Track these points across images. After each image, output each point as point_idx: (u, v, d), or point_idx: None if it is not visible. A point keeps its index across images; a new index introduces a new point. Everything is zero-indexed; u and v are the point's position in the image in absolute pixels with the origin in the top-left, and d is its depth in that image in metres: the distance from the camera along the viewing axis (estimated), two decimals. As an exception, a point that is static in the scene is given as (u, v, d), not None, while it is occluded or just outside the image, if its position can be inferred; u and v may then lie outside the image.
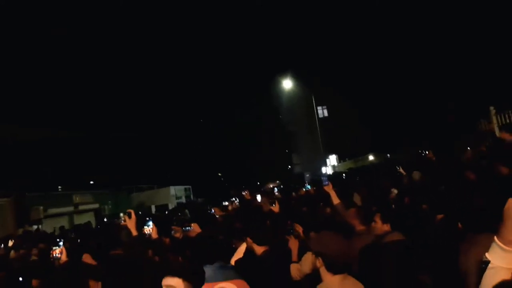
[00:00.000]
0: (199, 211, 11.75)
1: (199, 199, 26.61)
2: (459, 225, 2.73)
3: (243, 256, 3.48)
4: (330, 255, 2.19)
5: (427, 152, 7.75)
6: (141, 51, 29.58)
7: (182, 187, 29.24)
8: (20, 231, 14.37)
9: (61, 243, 3.95)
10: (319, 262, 2.24)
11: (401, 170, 7.23)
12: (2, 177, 17.53)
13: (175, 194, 26.87)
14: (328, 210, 5.06)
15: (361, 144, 25.46)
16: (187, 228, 5.37)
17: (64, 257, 3.97)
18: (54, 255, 3.89)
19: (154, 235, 4.75)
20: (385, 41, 22.50)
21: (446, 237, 2.92)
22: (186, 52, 32.24)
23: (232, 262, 3.44)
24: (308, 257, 3.14)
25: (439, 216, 3.46)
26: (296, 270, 3.23)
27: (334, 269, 2.18)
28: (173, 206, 22.55)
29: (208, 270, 2.52)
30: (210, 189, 30.84)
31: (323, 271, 2.22)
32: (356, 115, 26.65)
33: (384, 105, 23.84)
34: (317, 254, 2.27)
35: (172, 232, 5.43)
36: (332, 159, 30.91)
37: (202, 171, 37.66)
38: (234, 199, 9.95)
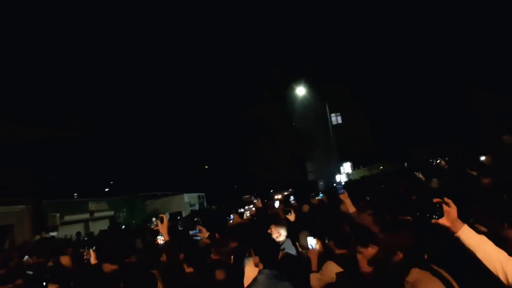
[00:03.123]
0: (212, 219, 11.74)
1: (212, 206, 26.70)
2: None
3: None
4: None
5: (438, 161, 7.60)
6: (158, 54, 29.86)
7: (195, 195, 29.39)
8: (37, 237, 14.61)
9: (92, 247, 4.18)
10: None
11: (420, 175, 7.09)
12: (19, 184, 17.88)
13: (189, 201, 27.00)
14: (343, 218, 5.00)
15: (375, 152, 25.26)
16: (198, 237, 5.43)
17: (93, 260, 4.14)
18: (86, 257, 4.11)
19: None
20: (400, 50, 22.33)
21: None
22: (197, 58, 32.39)
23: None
24: (330, 266, 3.11)
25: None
26: (317, 279, 3.21)
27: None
28: (187, 214, 22.65)
29: (262, 278, 2.45)
30: (223, 196, 30.90)
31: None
32: (369, 123, 26.46)
33: (397, 113, 23.62)
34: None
35: (197, 231, 5.46)
36: (346, 167, 30.64)
37: (215, 178, 37.78)
38: (249, 206, 9.95)
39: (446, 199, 2.02)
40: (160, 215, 3.64)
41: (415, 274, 2.25)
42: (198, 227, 5.59)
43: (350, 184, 17.16)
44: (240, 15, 29.01)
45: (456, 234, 1.97)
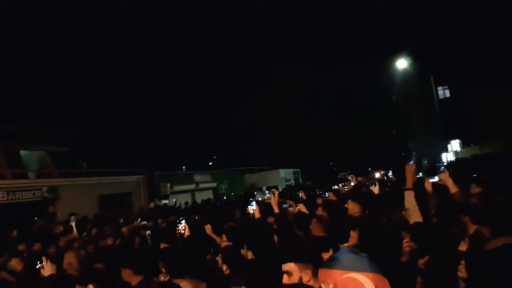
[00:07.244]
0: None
1: (307, 182, 26.94)
2: None
3: None
4: None
5: None
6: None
7: (291, 170, 29.95)
8: (152, 204, 16.55)
9: (183, 221, 4.67)
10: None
11: None
12: (137, 157, 20.06)
13: (284, 176, 27.68)
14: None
15: (488, 128, 22.65)
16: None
17: (187, 232, 4.67)
18: (179, 231, 4.62)
19: (257, 215, 5.11)
20: None
21: None
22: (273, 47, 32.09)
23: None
24: None
25: None
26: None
27: None
28: (283, 188, 23.27)
29: (340, 255, 2.51)
30: (318, 173, 30.92)
31: None
32: (481, 95, 23.62)
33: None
34: None
35: (286, 205, 5.71)
36: (454, 145, 28.13)
37: (312, 155, 37.77)
38: (343, 184, 9.90)
39: None
40: (272, 190, 3.97)
41: None
42: (289, 201, 5.82)
43: (456, 163, 15.87)
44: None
45: None
